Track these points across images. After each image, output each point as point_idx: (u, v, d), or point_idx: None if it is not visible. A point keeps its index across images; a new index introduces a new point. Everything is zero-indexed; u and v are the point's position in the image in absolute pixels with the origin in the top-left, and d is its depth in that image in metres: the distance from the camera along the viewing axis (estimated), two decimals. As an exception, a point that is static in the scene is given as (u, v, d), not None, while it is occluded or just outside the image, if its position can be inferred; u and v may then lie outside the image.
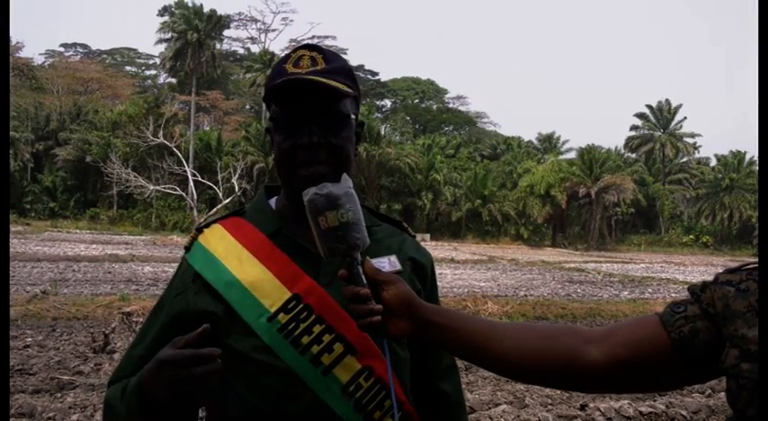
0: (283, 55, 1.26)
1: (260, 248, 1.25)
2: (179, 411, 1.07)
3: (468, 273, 21.25)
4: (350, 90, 1.21)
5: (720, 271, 1.02)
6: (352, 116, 1.25)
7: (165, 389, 1.03)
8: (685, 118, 59.07)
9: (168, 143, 39.64)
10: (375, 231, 1.30)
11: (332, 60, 1.22)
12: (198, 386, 1.01)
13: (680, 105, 58.57)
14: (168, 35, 49.52)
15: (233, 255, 1.24)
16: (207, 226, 1.33)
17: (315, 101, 1.19)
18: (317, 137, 1.19)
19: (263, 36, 68.14)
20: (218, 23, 51.59)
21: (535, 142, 61.67)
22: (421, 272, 1.36)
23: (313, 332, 1.17)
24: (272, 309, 1.18)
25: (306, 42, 1.34)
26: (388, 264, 1.26)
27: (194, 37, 47.73)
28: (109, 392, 1.21)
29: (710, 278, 1.02)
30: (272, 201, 1.34)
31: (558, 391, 6.17)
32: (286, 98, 1.20)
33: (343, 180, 1.09)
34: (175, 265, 1.32)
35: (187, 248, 1.30)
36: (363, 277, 1.07)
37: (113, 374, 1.26)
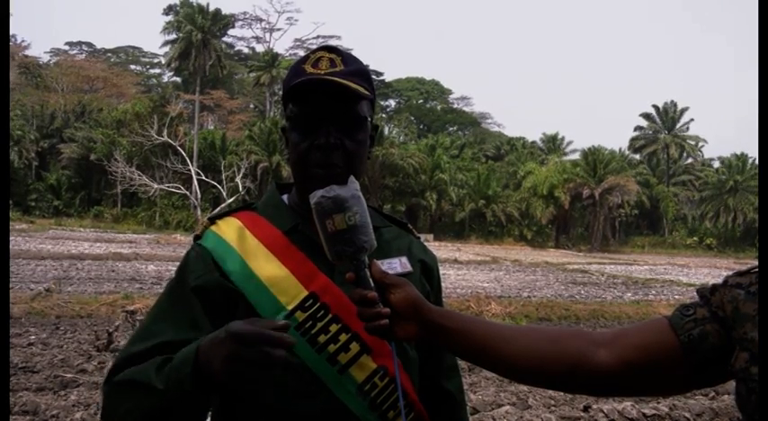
0: (302, 55, 1.26)
1: (276, 244, 1.23)
2: (232, 391, 0.98)
3: (471, 273, 21.22)
4: (367, 92, 1.22)
5: (729, 273, 1.01)
6: (368, 119, 1.25)
7: (226, 364, 0.94)
8: (692, 119, 58.85)
9: (172, 142, 39.78)
10: (384, 232, 1.31)
11: (350, 63, 1.22)
12: (266, 370, 0.93)
13: (686, 108, 58.50)
14: (173, 35, 49.59)
15: (249, 249, 1.22)
16: (220, 217, 1.30)
17: (332, 101, 1.18)
18: (334, 137, 1.18)
19: (267, 35, 68.47)
20: (222, 23, 51.65)
21: (539, 143, 61.57)
22: (429, 274, 1.37)
23: (330, 331, 1.17)
24: (289, 307, 1.17)
25: (326, 44, 1.33)
26: (399, 265, 1.26)
27: (199, 36, 47.77)
28: (125, 374, 1.09)
29: (719, 280, 1.01)
30: (284, 198, 1.33)
31: (562, 393, 6.16)
32: (304, 98, 1.20)
33: (350, 182, 1.09)
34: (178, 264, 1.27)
35: (197, 237, 1.27)
36: (371, 280, 1.06)
37: (123, 355, 1.14)
